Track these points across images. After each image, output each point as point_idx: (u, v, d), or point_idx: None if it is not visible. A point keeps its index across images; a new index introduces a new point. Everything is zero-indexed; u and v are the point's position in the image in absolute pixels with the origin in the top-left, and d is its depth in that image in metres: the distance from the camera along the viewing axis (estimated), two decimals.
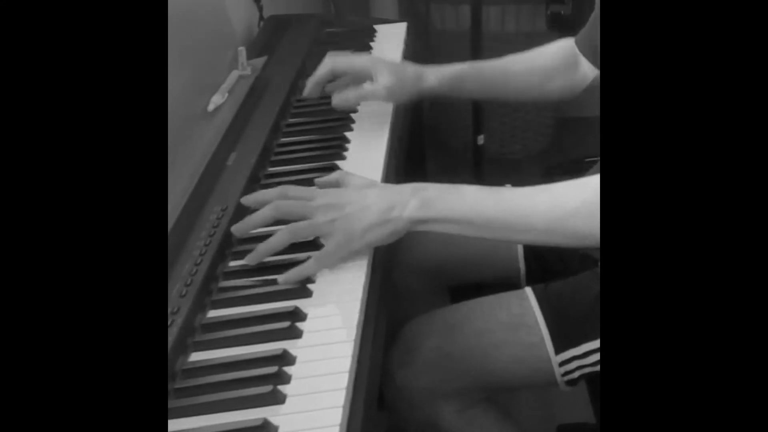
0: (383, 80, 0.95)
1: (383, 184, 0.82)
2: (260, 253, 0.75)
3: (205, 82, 1.00)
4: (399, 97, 0.98)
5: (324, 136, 0.98)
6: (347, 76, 1.00)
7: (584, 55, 1.05)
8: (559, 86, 1.06)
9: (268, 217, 0.76)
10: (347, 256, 0.75)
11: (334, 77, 1.00)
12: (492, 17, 1.93)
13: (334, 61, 0.99)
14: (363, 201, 0.75)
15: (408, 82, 0.97)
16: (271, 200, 0.76)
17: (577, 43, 1.06)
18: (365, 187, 0.77)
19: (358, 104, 1.02)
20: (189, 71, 0.95)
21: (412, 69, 0.99)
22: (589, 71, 1.05)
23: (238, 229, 0.78)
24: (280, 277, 0.73)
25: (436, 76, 0.99)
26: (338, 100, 0.98)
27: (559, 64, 1.06)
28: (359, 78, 0.98)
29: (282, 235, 0.75)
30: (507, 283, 1.02)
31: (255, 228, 0.77)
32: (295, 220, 0.76)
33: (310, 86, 1.00)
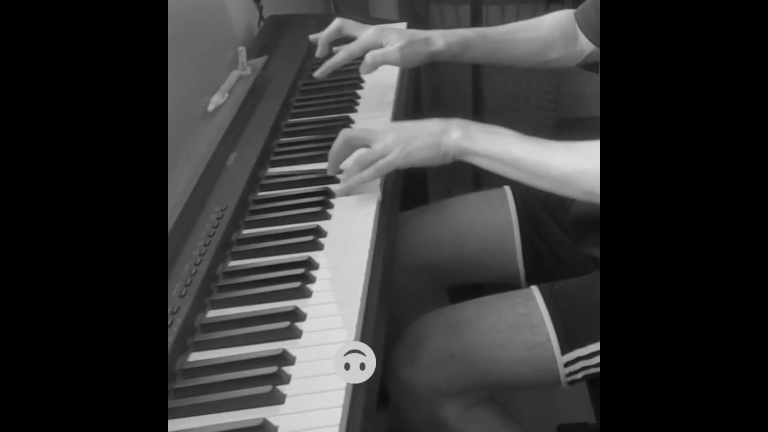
0: (395, 42, 0.99)
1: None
2: (331, 163, 0.88)
3: (205, 82, 1.00)
4: (411, 59, 1.01)
5: (324, 136, 0.98)
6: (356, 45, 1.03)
7: (581, 30, 1.06)
8: (558, 56, 1.09)
9: (340, 145, 0.88)
10: (405, 164, 0.85)
11: (343, 38, 1.05)
12: (492, 17, 1.92)
13: (343, 22, 1.04)
14: (417, 126, 0.86)
15: (418, 44, 1.01)
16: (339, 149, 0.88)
17: (576, 17, 1.07)
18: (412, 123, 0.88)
19: (376, 69, 1.02)
20: (189, 71, 0.95)
21: (421, 32, 1.03)
22: (586, 46, 1.07)
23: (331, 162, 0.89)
24: (336, 187, 0.86)
25: (444, 39, 1.02)
26: (362, 67, 1.01)
27: (559, 35, 1.07)
28: (369, 47, 1.01)
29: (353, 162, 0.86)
30: (506, 284, 1.01)
31: (339, 159, 0.89)
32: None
33: (321, 46, 1.06)
